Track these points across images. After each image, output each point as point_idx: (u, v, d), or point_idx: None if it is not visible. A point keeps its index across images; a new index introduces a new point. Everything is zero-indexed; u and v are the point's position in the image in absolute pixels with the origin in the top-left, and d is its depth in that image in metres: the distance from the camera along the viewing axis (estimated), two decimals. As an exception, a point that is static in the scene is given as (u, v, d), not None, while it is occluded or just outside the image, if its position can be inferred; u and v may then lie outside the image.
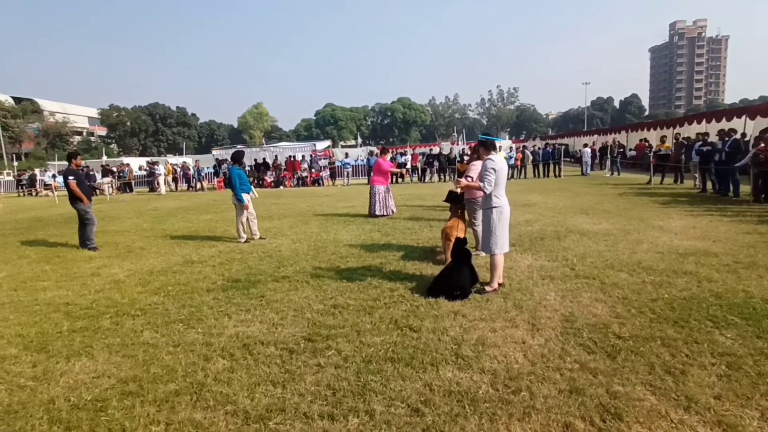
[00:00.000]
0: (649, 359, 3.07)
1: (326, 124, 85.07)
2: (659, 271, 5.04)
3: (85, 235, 7.91)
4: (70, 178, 7.83)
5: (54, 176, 26.35)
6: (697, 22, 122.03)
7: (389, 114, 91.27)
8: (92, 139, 72.46)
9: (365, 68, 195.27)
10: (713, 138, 12.97)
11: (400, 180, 22.91)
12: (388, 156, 10.86)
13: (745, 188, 10.90)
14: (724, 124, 16.03)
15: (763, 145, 10.12)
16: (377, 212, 9.91)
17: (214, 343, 3.62)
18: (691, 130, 18.97)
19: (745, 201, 10.30)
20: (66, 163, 9.01)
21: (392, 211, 10.16)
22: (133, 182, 25.48)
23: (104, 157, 35.00)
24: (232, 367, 3.21)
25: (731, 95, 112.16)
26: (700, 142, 13.11)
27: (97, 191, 22.13)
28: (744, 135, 13.13)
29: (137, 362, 3.36)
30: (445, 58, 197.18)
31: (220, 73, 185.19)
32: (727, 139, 11.65)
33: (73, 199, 7.85)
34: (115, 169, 26.71)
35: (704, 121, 19.03)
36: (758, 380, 2.76)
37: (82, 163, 8.72)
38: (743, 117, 16.07)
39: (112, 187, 23.30)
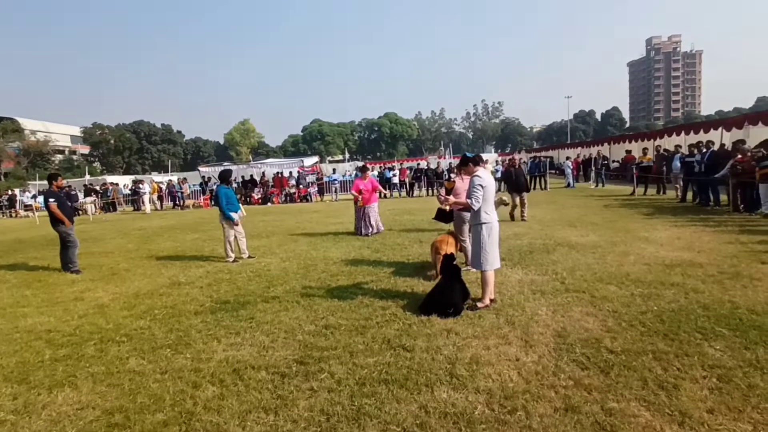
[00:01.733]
0: (642, 374, 3.08)
1: (313, 140, 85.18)
2: (647, 283, 5.10)
3: (68, 257, 7.74)
4: (51, 200, 7.68)
5: (35, 196, 25.82)
6: (672, 38, 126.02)
7: (376, 129, 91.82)
8: (74, 157, 71.40)
9: (352, 84, 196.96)
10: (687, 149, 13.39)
11: (387, 195, 23.03)
12: (368, 174, 10.50)
13: (724, 197, 11.15)
14: (702, 136, 16.46)
15: (740, 156, 10.39)
16: (358, 232, 9.90)
17: (203, 369, 3.54)
18: (671, 142, 19.39)
19: (725, 211, 10.52)
20: (47, 183, 8.84)
21: (369, 232, 9.80)
22: (117, 201, 25.10)
23: (87, 176, 34.45)
24: (222, 394, 3.14)
25: (707, 107, 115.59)
26: (680, 154, 13.51)
27: (80, 211, 21.74)
28: (723, 145, 13.47)
29: (123, 391, 3.26)
30: (431, 73, 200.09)
31: (207, 89, 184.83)
32: (705, 150, 11.95)
33: (55, 221, 7.69)
34: (98, 187, 26.32)
35: (683, 132, 19.51)
36: (749, 392, 2.79)
37: (64, 183, 8.56)
38: (720, 129, 16.49)
39: (95, 206, 22.91)
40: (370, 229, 9.86)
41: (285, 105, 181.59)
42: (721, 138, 15.49)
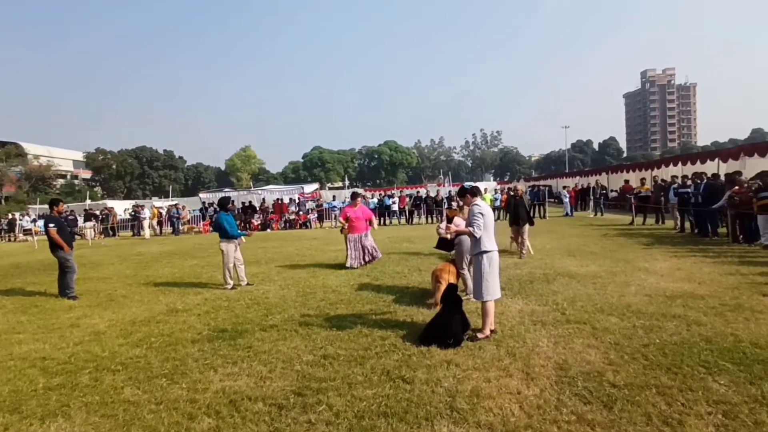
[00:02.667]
0: (646, 409, 3.03)
1: (314, 167, 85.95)
2: (649, 315, 5.06)
3: (65, 283, 7.69)
4: (51, 225, 7.69)
5: (34, 220, 25.82)
6: (666, 71, 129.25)
7: (376, 156, 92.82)
8: (76, 182, 71.85)
9: (353, 112, 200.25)
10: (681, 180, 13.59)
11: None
12: (359, 201, 9.76)
13: (723, 229, 11.19)
14: (699, 167, 16.70)
15: (737, 187, 10.49)
16: (348, 264, 9.16)
17: (199, 400, 3.47)
18: (668, 172, 19.61)
19: (724, 242, 10.54)
20: (47, 207, 8.88)
21: (364, 262, 9.33)
22: (115, 226, 25.09)
23: (88, 201, 34.58)
24: (218, 426, 3.07)
25: (703, 138, 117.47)
26: (676, 184, 13.68)
27: (79, 236, 21.70)
28: (717, 176, 13.64)
29: (117, 423, 3.19)
30: (430, 101, 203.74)
31: (209, 115, 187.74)
32: (699, 182, 12.07)
33: (54, 246, 7.69)
34: (98, 212, 26.38)
35: (680, 163, 19.76)
36: (755, 429, 2.74)
37: (65, 208, 8.58)
38: (716, 159, 16.72)
39: (94, 231, 22.89)
40: (368, 258, 9.36)
41: (286, 132, 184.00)
42: (717, 168, 15.70)
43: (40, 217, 26.32)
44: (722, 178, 12.52)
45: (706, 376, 3.48)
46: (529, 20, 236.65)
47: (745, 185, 10.42)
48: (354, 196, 10.30)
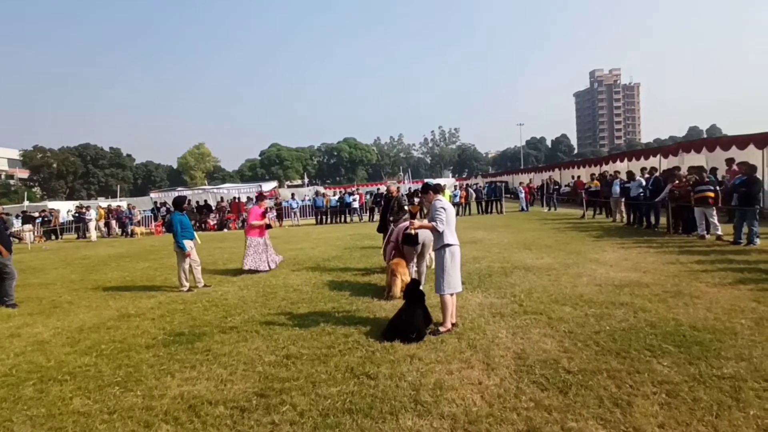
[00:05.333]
0: (598, 392, 3.19)
1: (272, 165, 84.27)
2: (599, 304, 5.33)
3: (3, 290, 7.15)
4: (-12, 228, 7.15)
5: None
6: (612, 71, 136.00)
7: (336, 153, 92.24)
8: (12, 182, 66.95)
9: (311, 108, 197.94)
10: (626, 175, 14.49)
11: (348, 219, 23.00)
12: (265, 203, 9.29)
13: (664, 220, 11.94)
14: (643, 162, 17.77)
15: (677, 182, 11.21)
16: (246, 266, 8.61)
17: (155, 407, 3.33)
18: (616, 168, 20.74)
19: (665, 233, 11.24)
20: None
21: (269, 266, 8.84)
22: (58, 228, 23.60)
23: (26, 202, 32.29)
24: (176, 433, 2.97)
25: (646, 135, 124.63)
26: (618, 179, 14.61)
27: (18, 239, 20.25)
28: (656, 170, 14.60)
29: (66, 436, 3.02)
30: (389, 99, 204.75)
31: (160, 111, 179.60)
32: (648, 176, 12.82)
33: (-10, 251, 7.13)
34: (36, 214, 24.70)
35: (626, 159, 20.92)
36: (694, 406, 2.95)
37: (2, 210, 8.00)
38: (658, 156, 17.85)
39: (33, 234, 21.44)
40: (263, 263, 8.76)
41: (242, 129, 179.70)
42: (660, 164, 16.76)
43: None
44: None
45: (651, 358, 3.71)
46: (484, 20, 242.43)
47: (684, 179, 11.16)
48: (260, 197, 9.74)
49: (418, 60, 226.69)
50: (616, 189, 14.55)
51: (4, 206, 26.01)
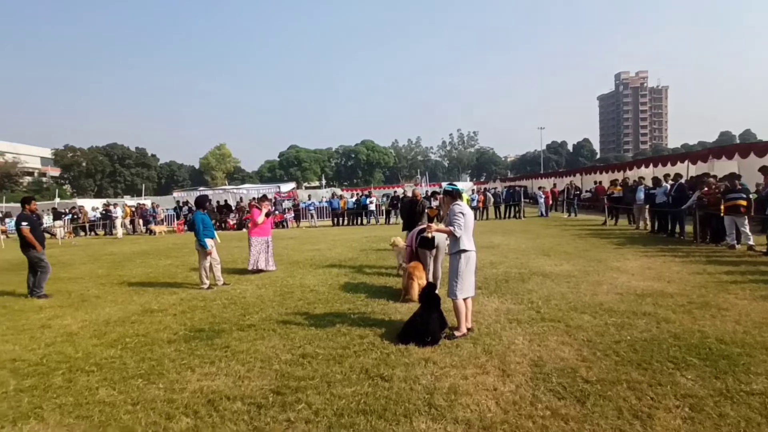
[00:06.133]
0: (617, 403, 3.13)
1: (290, 166, 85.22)
2: (620, 313, 5.22)
3: (36, 282, 7.45)
4: (24, 224, 7.43)
5: (2, 219, 24.80)
6: (639, 74, 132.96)
7: (353, 156, 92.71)
8: (44, 179, 69.41)
9: (329, 111, 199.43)
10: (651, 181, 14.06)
11: (365, 221, 23.05)
12: (266, 204, 9.36)
13: (690, 228, 11.61)
14: (670, 168, 17.25)
15: (706, 189, 10.88)
16: (250, 266, 8.84)
17: (176, 400, 3.42)
18: (640, 174, 20.25)
19: (692, 242, 10.93)
20: (16, 204, 8.59)
21: (271, 266, 9.03)
22: (86, 225, 24.33)
23: (57, 199, 33.42)
24: (196, 426, 3.04)
25: (673, 140, 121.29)
26: (643, 186, 14.15)
27: (51, 234, 20.94)
28: (687, 177, 14.17)
29: (93, 424, 3.12)
30: (408, 102, 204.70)
31: (183, 113, 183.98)
32: (673, 183, 12.47)
33: (25, 245, 7.45)
34: (67, 210, 25.52)
35: (651, 165, 20.38)
36: (720, 422, 2.86)
37: (37, 207, 8.31)
38: (686, 162, 17.32)
39: (64, 230, 22.16)
40: (260, 264, 8.87)
41: (262, 130, 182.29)
42: (687, 170, 16.26)
43: (5, 215, 25.35)
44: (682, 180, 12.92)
45: (675, 371, 3.62)
46: (508, 25, 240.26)
47: (714, 187, 10.82)
48: (263, 198, 9.84)
49: (439, 63, 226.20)
50: (641, 195, 14.18)
51: (37, 202, 26.93)
